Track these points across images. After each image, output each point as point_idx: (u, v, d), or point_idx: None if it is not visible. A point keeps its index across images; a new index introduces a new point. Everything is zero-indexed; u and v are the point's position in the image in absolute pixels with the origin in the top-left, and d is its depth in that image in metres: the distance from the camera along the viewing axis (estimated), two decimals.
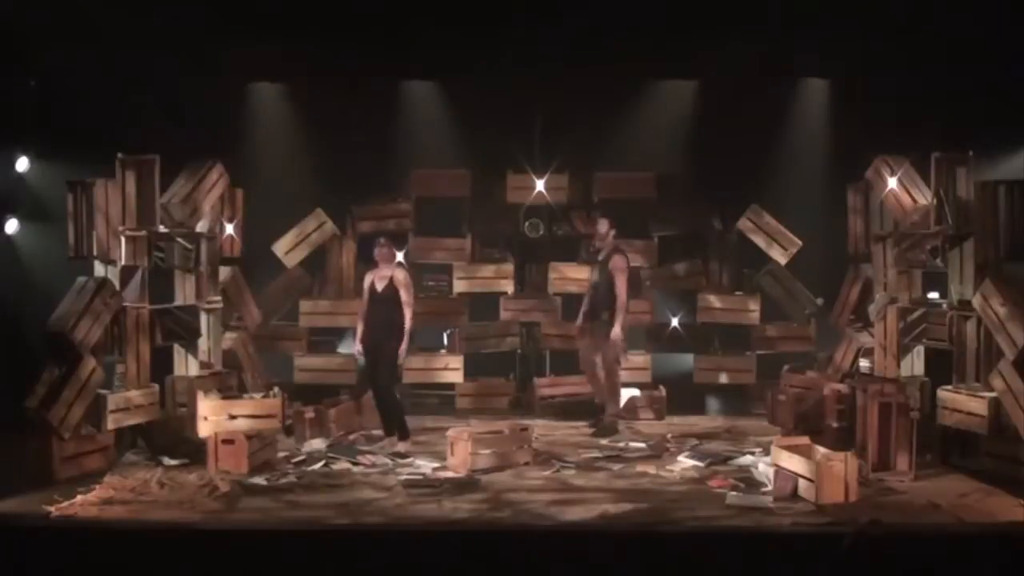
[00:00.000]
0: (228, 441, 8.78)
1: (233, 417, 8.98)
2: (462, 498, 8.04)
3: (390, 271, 9.73)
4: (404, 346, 9.72)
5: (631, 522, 7.50)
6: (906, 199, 10.07)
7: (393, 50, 11.64)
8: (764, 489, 8.23)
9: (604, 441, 9.98)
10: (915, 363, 10.12)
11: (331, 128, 12.08)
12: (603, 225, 10.51)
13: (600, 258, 10.46)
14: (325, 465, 9.00)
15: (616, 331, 10.18)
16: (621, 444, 9.88)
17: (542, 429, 10.48)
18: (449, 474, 8.73)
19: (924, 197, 9.91)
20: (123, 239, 9.46)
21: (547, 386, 11.63)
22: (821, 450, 8.16)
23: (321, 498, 8.06)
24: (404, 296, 9.68)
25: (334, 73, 11.76)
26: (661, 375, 11.99)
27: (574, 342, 10.92)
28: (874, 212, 10.72)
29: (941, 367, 9.66)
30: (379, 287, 9.73)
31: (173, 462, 9.01)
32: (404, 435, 9.77)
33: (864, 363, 10.72)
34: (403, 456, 9.35)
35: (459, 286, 12.18)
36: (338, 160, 12.03)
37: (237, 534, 7.32)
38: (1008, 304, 8.58)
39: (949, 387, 9.25)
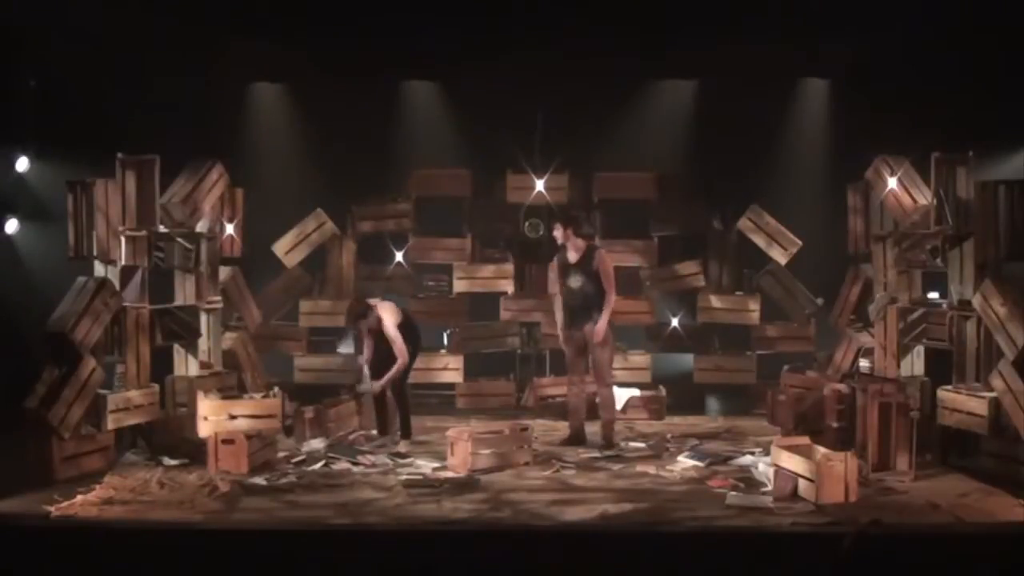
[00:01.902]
0: (228, 441, 8.78)
1: (233, 417, 8.98)
2: (462, 498, 8.04)
3: (377, 322, 9.94)
4: (378, 386, 9.91)
5: (631, 522, 7.50)
6: (906, 199, 10.08)
7: (393, 50, 11.64)
8: (764, 489, 8.23)
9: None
10: (915, 363, 10.11)
11: (331, 128, 12.09)
12: (559, 228, 9.97)
13: (573, 261, 9.92)
14: (325, 465, 9.01)
15: (601, 328, 9.79)
16: (621, 444, 9.87)
17: (542, 429, 10.48)
18: (449, 474, 8.73)
19: (924, 197, 9.91)
20: (123, 239, 9.45)
21: (547, 386, 11.64)
22: (821, 450, 8.16)
23: (321, 498, 8.06)
24: (394, 342, 9.86)
25: (334, 73, 11.77)
26: (661, 375, 11.99)
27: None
28: (874, 212, 10.71)
29: (941, 367, 9.66)
30: (373, 328, 10.00)
31: (173, 462, 9.01)
32: (407, 434, 9.91)
33: (864, 363, 10.72)
34: (403, 456, 9.36)
35: (459, 286, 12.18)
36: (338, 160, 12.04)
37: (237, 534, 7.32)
38: (1008, 304, 8.58)
39: (949, 387, 9.25)
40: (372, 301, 10.21)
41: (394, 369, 9.92)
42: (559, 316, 10.12)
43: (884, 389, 8.92)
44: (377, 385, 9.98)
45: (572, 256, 9.97)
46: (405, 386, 10.08)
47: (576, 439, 9.95)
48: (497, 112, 11.78)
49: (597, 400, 10.42)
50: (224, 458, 8.74)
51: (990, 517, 7.58)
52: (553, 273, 11.36)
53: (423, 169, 12.21)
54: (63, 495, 7.92)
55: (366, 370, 10.17)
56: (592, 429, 10.11)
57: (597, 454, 9.53)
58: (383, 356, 10.03)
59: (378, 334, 10.02)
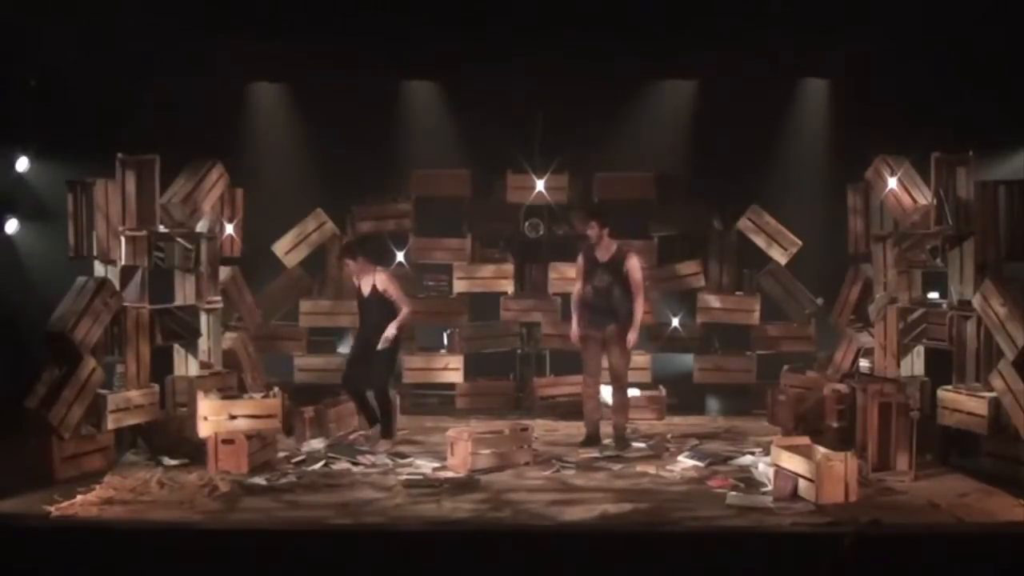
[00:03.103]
0: (228, 441, 8.78)
1: (233, 417, 8.98)
2: (462, 498, 8.05)
3: (370, 278, 9.74)
4: (392, 331, 9.56)
5: (631, 522, 7.50)
6: (906, 199, 10.08)
7: (393, 50, 11.64)
8: (764, 489, 8.23)
9: (606, 442, 9.94)
10: (915, 363, 10.12)
11: (331, 128, 12.08)
12: (594, 227, 9.85)
13: (604, 260, 9.81)
14: (325, 465, 9.01)
15: (633, 337, 9.80)
16: (614, 444, 9.84)
17: (542, 429, 10.47)
18: (449, 474, 8.73)
19: (924, 197, 9.92)
20: (123, 239, 9.46)
21: (547, 386, 11.63)
22: (821, 450, 8.16)
23: (321, 498, 8.06)
24: (394, 294, 9.69)
25: (334, 73, 11.76)
26: (661, 375, 11.99)
27: (572, 345, 10.26)
28: (874, 212, 10.71)
29: (941, 367, 9.66)
30: (364, 291, 9.78)
31: (173, 462, 9.01)
32: (388, 434, 9.75)
33: (864, 363, 10.72)
34: (403, 456, 9.35)
35: (459, 286, 12.18)
36: (338, 160, 12.02)
37: (237, 534, 7.32)
38: (1008, 304, 8.59)
39: (949, 387, 9.25)
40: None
41: (400, 317, 9.58)
42: (576, 313, 9.95)
43: (884, 389, 8.92)
44: (390, 332, 9.51)
45: (602, 255, 9.85)
46: (389, 386, 9.92)
47: (593, 440, 9.87)
48: (497, 112, 11.77)
49: (602, 399, 10.36)
50: (224, 458, 8.74)
51: (990, 517, 7.58)
52: (556, 273, 11.39)
53: (423, 169, 12.20)
54: (63, 495, 7.92)
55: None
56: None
57: (597, 454, 9.52)
58: (368, 320, 9.73)
59: (366, 297, 9.74)
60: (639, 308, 9.82)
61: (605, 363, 9.98)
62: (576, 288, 10.05)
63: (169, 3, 10.91)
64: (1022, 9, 10.49)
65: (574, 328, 9.96)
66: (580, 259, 10.05)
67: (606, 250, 9.86)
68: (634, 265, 9.84)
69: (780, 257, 11.92)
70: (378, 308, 9.69)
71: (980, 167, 9.62)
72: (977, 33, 10.87)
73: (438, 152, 12.42)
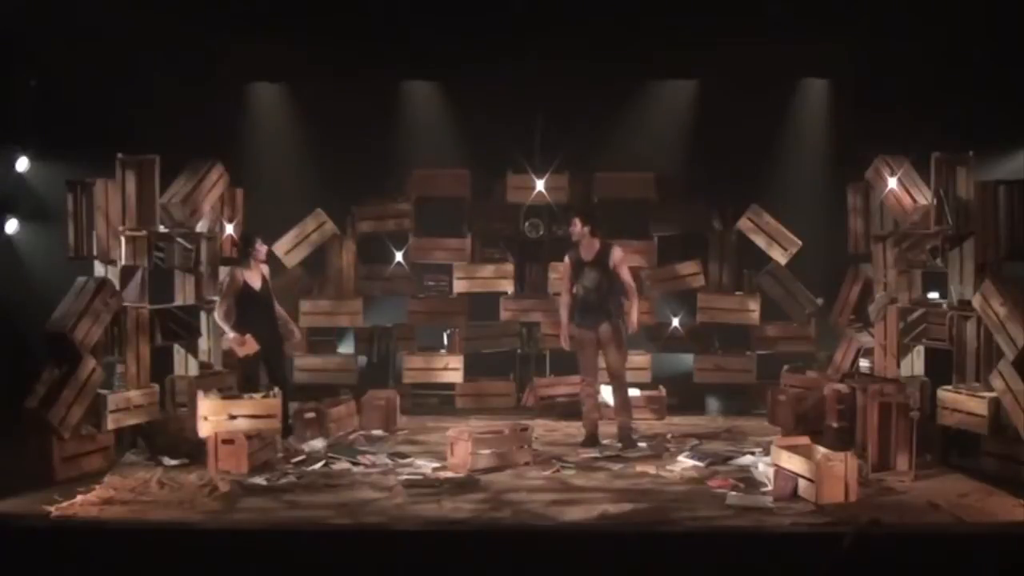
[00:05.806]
0: (228, 441, 8.78)
1: (233, 417, 8.98)
2: (462, 498, 8.04)
3: (261, 270, 9.80)
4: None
5: (631, 522, 7.50)
6: (906, 199, 10.08)
7: (393, 50, 11.65)
8: (764, 489, 8.23)
9: (606, 442, 9.94)
10: (915, 363, 10.12)
11: (331, 128, 12.09)
12: (576, 224, 9.75)
13: (588, 259, 9.72)
14: (325, 465, 9.01)
15: (635, 319, 9.76)
16: (620, 444, 9.86)
17: (542, 429, 10.48)
18: (449, 474, 8.73)
19: (924, 197, 9.92)
20: (123, 239, 9.46)
21: (547, 386, 11.63)
22: (821, 450, 8.16)
23: (321, 498, 8.06)
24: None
25: (334, 73, 11.77)
26: (661, 375, 11.99)
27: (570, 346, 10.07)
28: (874, 212, 10.71)
29: (941, 367, 9.66)
30: (256, 286, 9.73)
31: (173, 462, 9.01)
32: (288, 432, 9.74)
33: (864, 363, 10.72)
34: (403, 456, 9.35)
35: (459, 286, 12.18)
36: (338, 160, 12.04)
37: (237, 534, 7.32)
38: (1008, 304, 8.59)
39: (949, 387, 9.25)
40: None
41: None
42: (564, 315, 9.95)
43: (884, 389, 8.92)
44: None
45: (586, 254, 9.78)
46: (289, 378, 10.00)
47: (592, 440, 9.84)
48: (497, 112, 11.78)
49: (601, 399, 10.36)
50: (224, 458, 8.73)
51: (990, 517, 7.58)
52: (556, 273, 11.35)
53: (423, 169, 12.20)
54: (63, 495, 7.92)
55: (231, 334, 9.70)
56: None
57: (597, 454, 9.52)
58: (261, 328, 9.67)
59: (258, 291, 9.72)
60: (635, 311, 9.77)
61: (602, 363, 9.97)
62: (564, 291, 10.01)
63: (170, 3, 10.91)
64: (1021, 9, 10.49)
65: (564, 332, 9.92)
66: (567, 260, 9.99)
67: (589, 249, 9.78)
68: (621, 257, 9.74)
69: (780, 257, 11.92)
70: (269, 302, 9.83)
71: (980, 167, 9.63)
72: (977, 33, 10.88)
73: (438, 152, 12.43)
